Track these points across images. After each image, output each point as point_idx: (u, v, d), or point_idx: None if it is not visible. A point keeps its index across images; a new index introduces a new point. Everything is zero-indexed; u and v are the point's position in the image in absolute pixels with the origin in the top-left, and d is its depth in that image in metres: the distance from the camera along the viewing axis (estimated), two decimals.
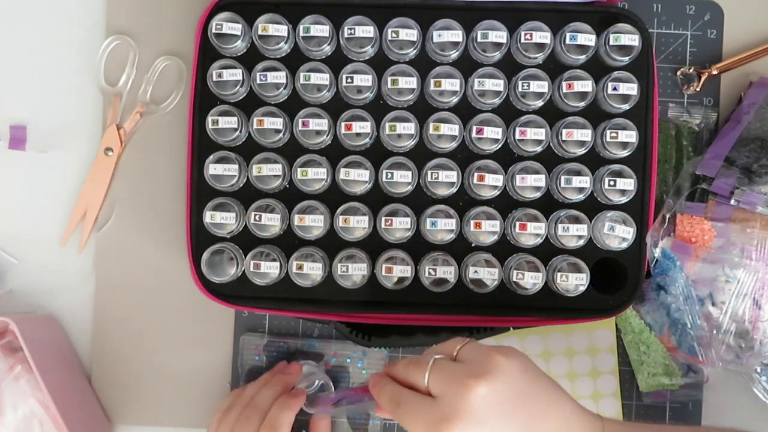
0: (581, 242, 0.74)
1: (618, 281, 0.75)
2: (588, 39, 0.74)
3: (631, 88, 0.73)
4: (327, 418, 0.78)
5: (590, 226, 0.74)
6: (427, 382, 0.59)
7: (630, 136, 0.73)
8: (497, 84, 0.74)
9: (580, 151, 0.74)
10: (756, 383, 0.78)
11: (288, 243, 0.75)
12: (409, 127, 0.74)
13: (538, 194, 0.74)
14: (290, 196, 0.75)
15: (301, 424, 0.80)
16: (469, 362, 0.60)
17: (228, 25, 0.74)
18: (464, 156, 0.75)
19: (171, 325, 0.83)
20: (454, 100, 0.74)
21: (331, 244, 0.75)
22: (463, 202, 0.75)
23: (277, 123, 0.74)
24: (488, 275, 0.73)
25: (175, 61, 0.83)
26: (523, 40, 0.74)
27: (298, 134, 0.74)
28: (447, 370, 0.59)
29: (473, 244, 0.75)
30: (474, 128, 0.74)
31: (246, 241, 0.75)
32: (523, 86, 0.74)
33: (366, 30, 0.74)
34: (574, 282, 0.73)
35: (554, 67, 0.75)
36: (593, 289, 0.74)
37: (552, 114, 0.75)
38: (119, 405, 0.83)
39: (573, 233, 0.74)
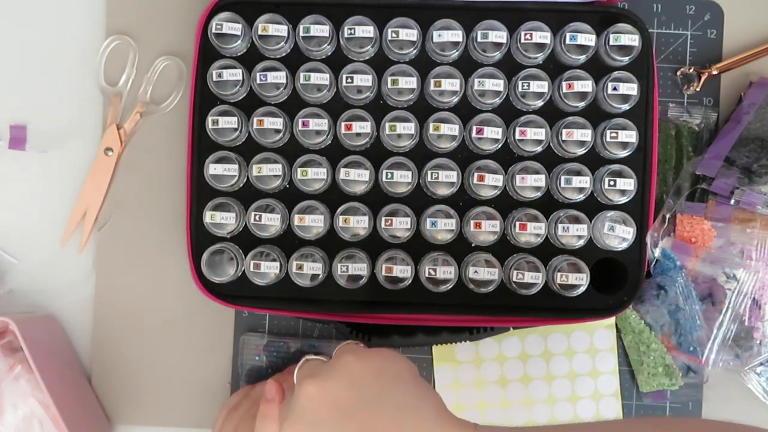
0: (581, 242, 0.74)
1: (618, 281, 0.75)
2: (588, 39, 0.74)
3: (631, 88, 0.73)
4: None
5: (590, 226, 0.74)
6: (295, 379, 0.58)
7: (630, 136, 0.73)
8: (497, 84, 0.74)
9: (580, 151, 0.74)
10: (755, 383, 0.78)
11: (288, 243, 0.75)
12: (409, 127, 0.74)
13: (538, 194, 0.74)
14: (290, 196, 0.75)
15: None
16: (328, 361, 0.56)
17: (228, 25, 0.74)
18: (464, 156, 0.75)
19: (171, 325, 0.83)
20: (454, 100, 0.74)
21: (331, 244, 0.75)
22: (463, 202, 0.75)
23: (277, 123, 0.74)
24: (488, 275, 0.73)
25: (175, 61, 0.83)
26: (523, 40, 0.74)
27: (298, 134, 0.74)
28: (306, 368, 0.56)
29: (473, 244, 0.75)
30: (474, 128, 0.74)
31: (246, 241, 0.75)
32: (523, 86, 0.74)
33: (366, 30, 0.74)
34: (574, 282, 0.73)
35: (554, 67, 0.75)
36: (593, 289, 0.74)
37: (552, 114, 0.75)
38: (119, 405, 0.83)
39: (573, 233, 0.74)
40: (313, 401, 0.52)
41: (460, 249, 0.75)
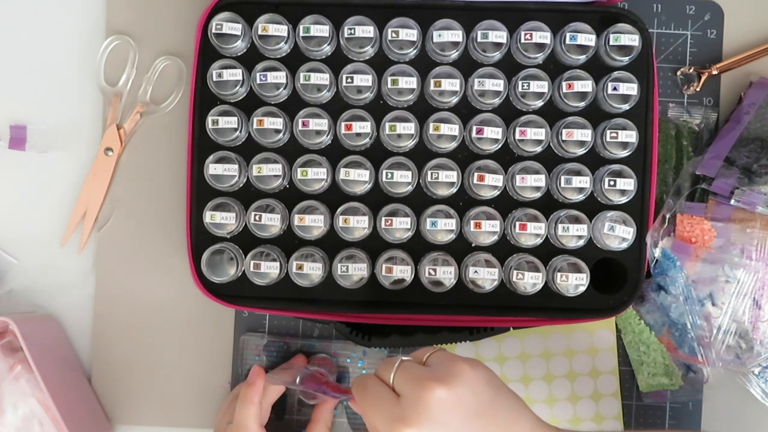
0: (581, 242, 0.74)
1: (618, 281, 0.75)
2: (588, 39, 0.74)
3: (631, 88, 0.73)
4: (329, 404, 0.78)
5: (590, 226, 0.74)
6: (392, 380, 0.60)
7: (630, 136, 0.73)
8: (497, 84, 0.74)
9: (580, 151, 0.74)
10: (753, 385, 0.78)
11: (288, 243, 0.75)
12: (409, 127, 0.74)
13: (538, 194, 0.74)
14: (290, 196, 0.75)
15: (301, 424, 0.80)
16: (435, 366, 0.60)
17: (228, 25, 0.74)
18: (464, 156, 0.75)
19: (171, 325, 0.83)
20: (454, 100, 0.74)
21: (331, 244, 0.75)
22: (463, 202, 0.75)
23: (277, 123, 0.74)
24: (488, 275, 0.73)
25: (175, 61, 0.83)
26: (523, 40, 0.74)
27: (298, 134, 0.74)
28: (412, 371, 0.60)
29: (473, 244, 0.75)
30: (474, 128, 0.74)
31: (246, 241, 0.75)
32: (523, 86, 0.74)
33: (366, 30, 0.74)
34: (574, 282, 0.73)
35: (554, 67, 0.75)
36: (593, 289, 0.74)
37: (552, 114, 0.75)
38: (119, 405, 0.83)
39: (573, 233, 0.74)
40: (444, 404, 0.57)
41: (460, 249, 0.75)
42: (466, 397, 0.58)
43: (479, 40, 0.74)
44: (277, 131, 0.75)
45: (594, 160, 0.75)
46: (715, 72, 0.82)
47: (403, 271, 0.73)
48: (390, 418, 0.58)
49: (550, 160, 0.75)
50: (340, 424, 0.82)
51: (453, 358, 0.61)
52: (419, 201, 0.75)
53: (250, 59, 0.75)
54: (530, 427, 0.60)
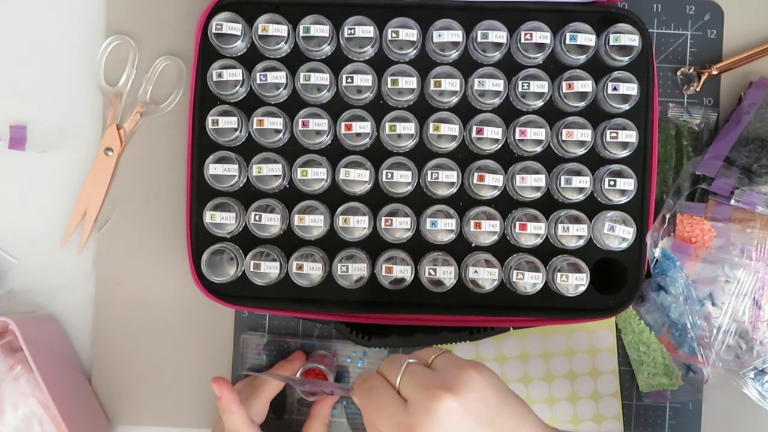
0: (581, 242, 0.74)
1: (618, 281, 0.75)
2: (588, 39, 0.74)
3: (631, 88, 0.73)
4: (328, 401, 0.78)
5: (590, 226, 0.74)
6: (399, 384, 0.59)
7: (630, 136, 0.73)
8: (497, 84, 0.74)
9: (580, 151, 0.74)
10: (750, 388, 0.78)
11: (288, 243, 0.75)
12: (409, 127, 0.74)
13: (538, 194, 0.74)
14: (290, 196, 0.75)
15: (301, 424, 0.80)
16: (442, 372, 0.59)
17: (228, 25, 0.74)
18: (464, 156, 0.75)
19: (171, 325, 0.83)
20: (454, 100, 0.74)
21: (331, 244, 0.75)
22: (463, 202, 0.75)
23: (277, 123, 0.74)
24: (488, 275, 0.73)
25: (175, 61, 0.83)
26: (523, 40, 0.74)
27: (298, 134, 0.74)
28: (419, 376, 0.58)
29: (473, 244, 0.75)
30: (474, 128, 0.74)
31: (246, 241, 0.75)
32: (523, 86, 0.74)
33: (366, 30, 0.74)
34: (574, 282, 0.73)
35: (554, 67, 0.75)
36: (593, 289, 0.74)
37: (552, 114, 0.75)
38: (119, 405, 0.83)
39: (573, 233, 0.74)
40: (454, 414, 0.56)
41: (460, 249, 0.75)
42: (474, 405, 0.57)
43: (479, 40, 0.74)
44: (277, 131, 0.75)
45: (594, 160, 0.75)
46: (715, 72, 0.82)
47: (403, 271, 0.73)
48: (397, 426, 0.57)
49: (550, 160, 0.75)
50: (339, 424, 0.82)
51: (460, 363, 0.59)
52: (419, 201, 0.75)
53: (250, 59, 0.75)
54: (534, 430, 0.59)
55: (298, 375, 0.78)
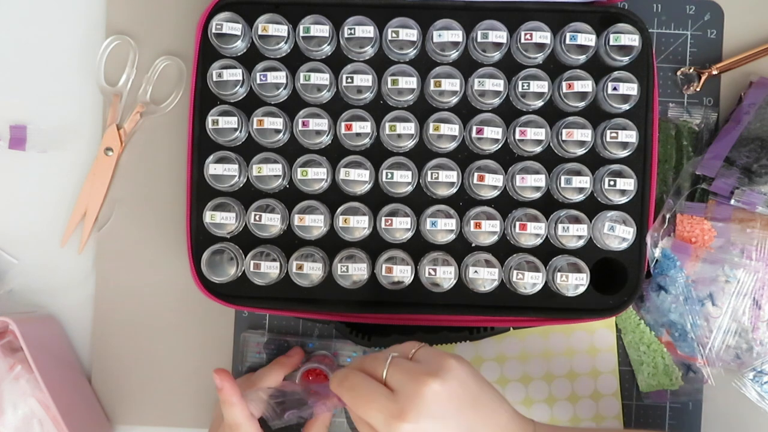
0: (581, 242, 0.74)
1: (618, 281, 0.75)
2: (588, 39, 0.74)
3: (631, 88, 0.73)
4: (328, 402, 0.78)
5: (590, 226, 0.74)
6: (386, 376, 0.62)
7: (630, 136, 0.73)
8: (497, 84, 0.74)
9: (580, 151, 0.74)
10: (749, 389, 0.78)
11: (288, 243, 0.75)
12: (409, 127, 0.74)
13: (538, 194, 0.74)
14: (290, 196, 0.75)
15: (301, 424, 0.80)
16: (425, 362, 0.63)
17: (228, 25, 0.74)
18: (464, 156, 0.75)
19: (171, 325, 0.83)
20: (454, 100, 0.74)
21: (331, 244, 0.75)
22: (463, 202, 0.75)
23: (277, 123, 0.74)
24: (488, 275, 0.73)
25: (175, 61, 0.83)
26: (523, 40, 0.74)
27: (298, 134, 0.74)
28: (405, 366, 0.62)
29: (473, 244, 0.75)
30: (474, 128, 0.74)
31: (246, 241, 0.75)
32: (523, 86, 0.74)
33: (366, 30, 0.74)
34: (574, 282, 0.73)
35: (554, 67, 0.75)
36: (593, 289, 0.74)
37: (552, 114, 0.75)
38: (119, 405, 0.83)
39: (573, 233, 0.74)
40: (439, 397, 0.60)
41: (460, 249, 0.75)
42: (456, 390, 0.61)
43: (479, 40, 0.74)
44: (277, 131, 0.75)
45: (594, 160, 0.75)
46: (715, 72, 0.82)
47: (403, 271, 0.73)
48: (387, 414, 0.60)
49: (550, 160, 0.75)
50: (339, 424, 0.82)
51: (441, 354, 0.63)
52: (419, 201, 0.75)
53: (250, 59, 0.75)
54: (509, 417, 0.64)
55: (298, 375, 0.78)
